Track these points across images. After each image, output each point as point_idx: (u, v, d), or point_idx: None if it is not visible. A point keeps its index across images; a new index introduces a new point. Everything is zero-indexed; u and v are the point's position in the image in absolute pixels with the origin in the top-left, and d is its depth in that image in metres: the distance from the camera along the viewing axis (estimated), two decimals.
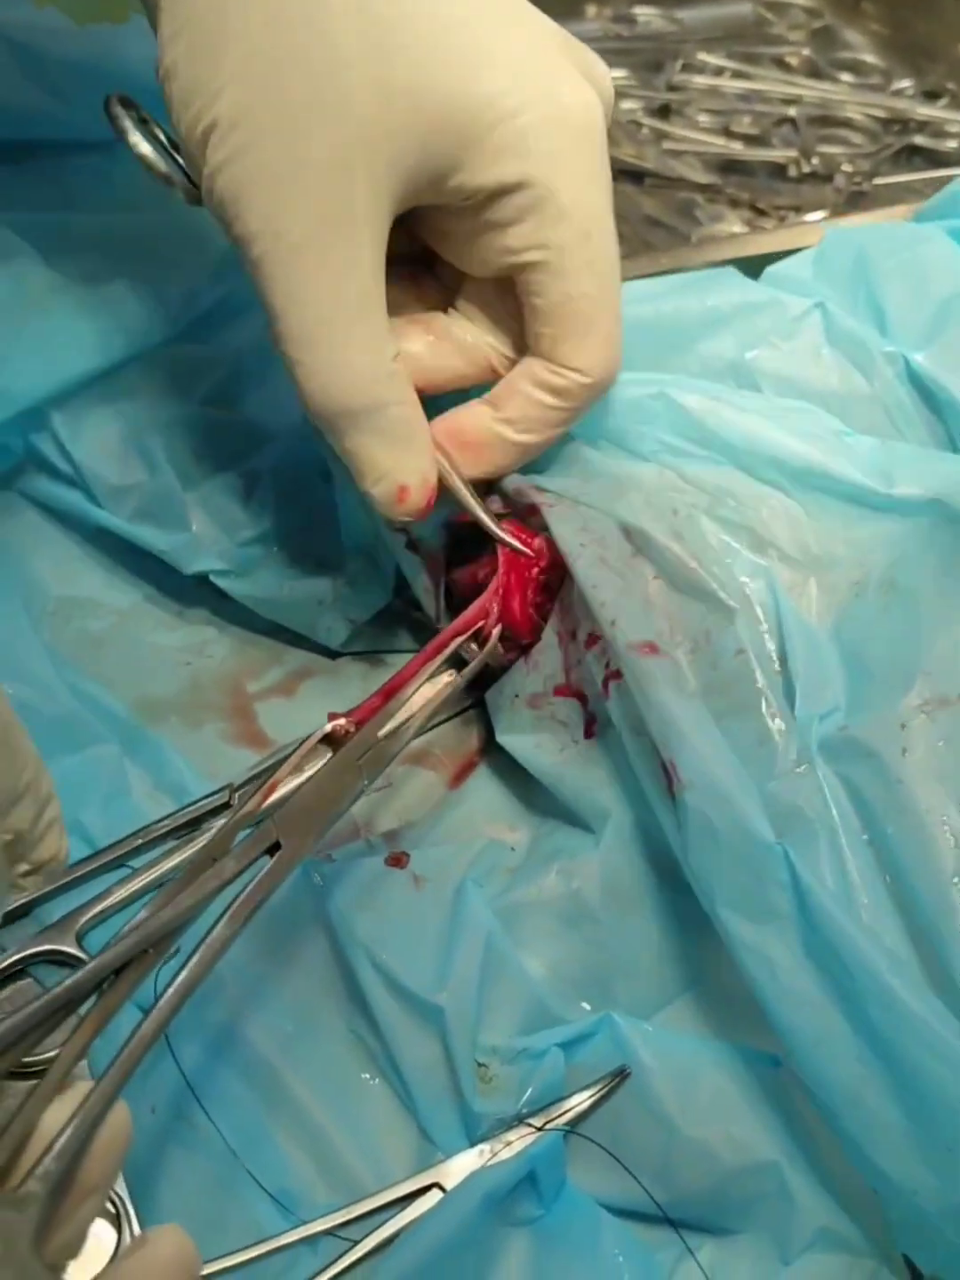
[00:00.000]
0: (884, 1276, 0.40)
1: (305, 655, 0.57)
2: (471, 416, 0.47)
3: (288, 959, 0.44)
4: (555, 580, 0.48)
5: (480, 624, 0.47)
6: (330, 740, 0.40)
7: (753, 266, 0.64)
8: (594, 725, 0.48)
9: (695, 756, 0.41)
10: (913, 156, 0.86)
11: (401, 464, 0.45)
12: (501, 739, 0.49)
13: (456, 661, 0.47)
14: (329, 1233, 0.39)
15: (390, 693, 0.42)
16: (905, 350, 0.53)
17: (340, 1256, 0.38)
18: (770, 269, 0.59)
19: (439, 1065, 0.41)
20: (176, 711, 0.55)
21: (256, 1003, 0.43)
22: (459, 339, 0.48)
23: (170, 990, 0.33)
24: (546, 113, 0.42)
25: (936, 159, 0.85)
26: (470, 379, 0.49)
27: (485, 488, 0.50)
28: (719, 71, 0.90)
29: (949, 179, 0.79)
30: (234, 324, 0.59)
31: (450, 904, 0.44)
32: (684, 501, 0.47)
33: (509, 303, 0.47)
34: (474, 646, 0.47)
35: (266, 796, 0.38)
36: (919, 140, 0.86)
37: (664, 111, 0.86)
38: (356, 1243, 0.39)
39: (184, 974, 0.33)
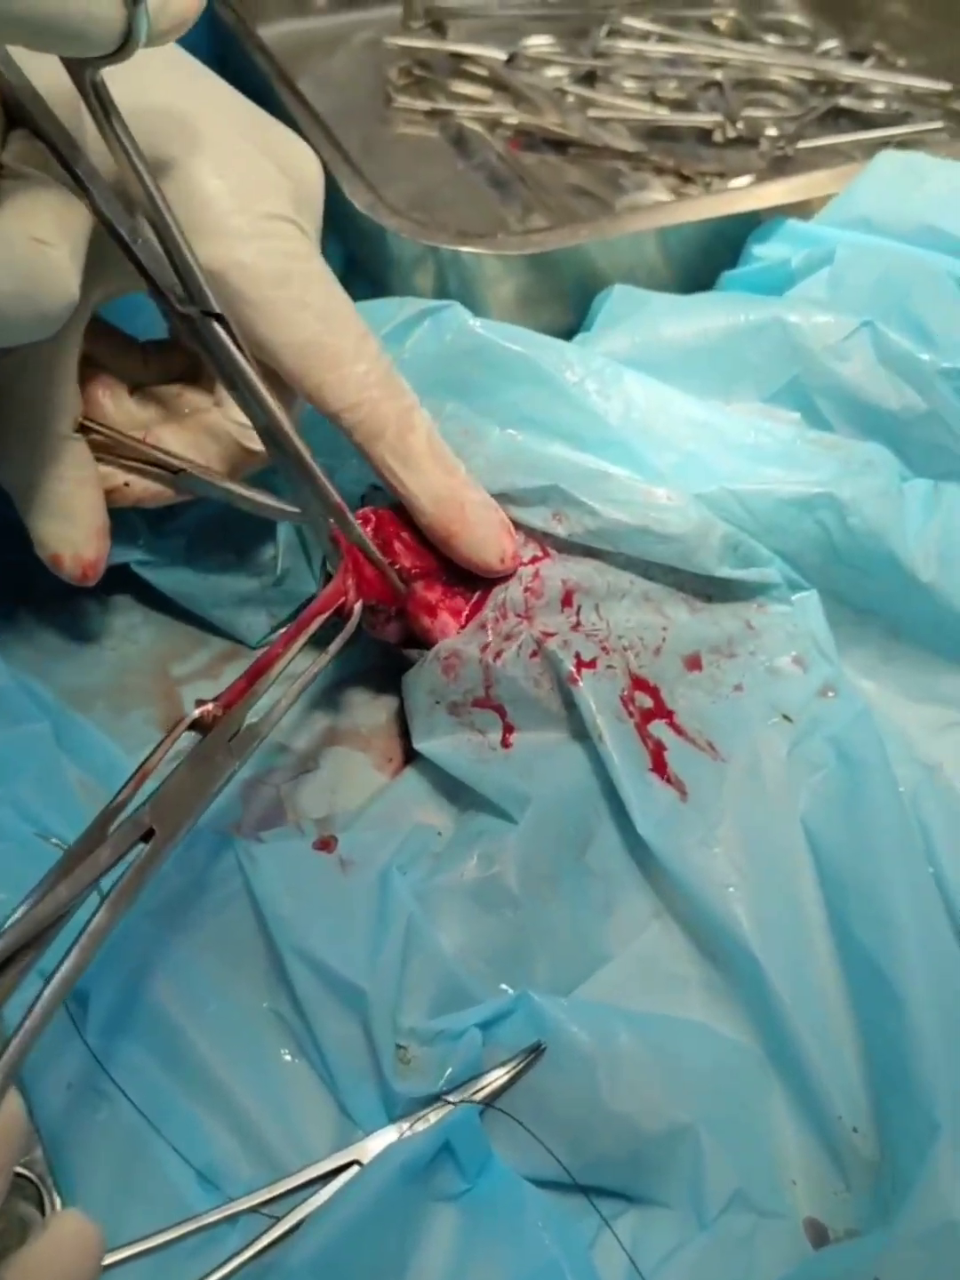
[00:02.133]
0: (791, 1236, 0.41)
1: (229, 640, 0.57)
2: None
3: (213, 939, 0.45)
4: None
5: (341, 601, 0.47)
6: (199, 725, 0.41)
7: (675, 236, 0.64)
8: (512, 734, 0.49)
9: None
10: (839, 118, 0.86)
11: (57, 536, 0.47)
12: (419, 745, 0.50)
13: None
14: (251, 1210, 0.40)
15: (256, 675, 0.42)
16: (957, 364, 0.54)
17: (262, 1233, 0.39)
18: (788, 294, 0.60)
19: (359, 1046, 0.42)
20: (102, 697, 0.55)
21: (179, 980, 0.43)
22: (212, 428, 0.49)
23: (51, 984, 0.33)
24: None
25: (862, 120, 0.85)
26: (237, 465, 0.49)
27: None
28: (645, 36, 0.89)
29: (873, 142, 0.81)
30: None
31: (375, 889, 0.45)
32: None
33: None
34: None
35: (138, 784, 0.38)
36: (845, 102, 0.85)
37: (590, 78, 0.85)
38: (278, 1219, 0.39)
39: (64, 966, 0.33)
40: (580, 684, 0.47)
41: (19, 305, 0.37)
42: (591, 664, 0.48)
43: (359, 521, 0.48)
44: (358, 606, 0.47)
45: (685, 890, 0.45)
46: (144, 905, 0.44)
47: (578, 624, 0.49)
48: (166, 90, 0.44)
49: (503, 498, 0.50)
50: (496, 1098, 0.41)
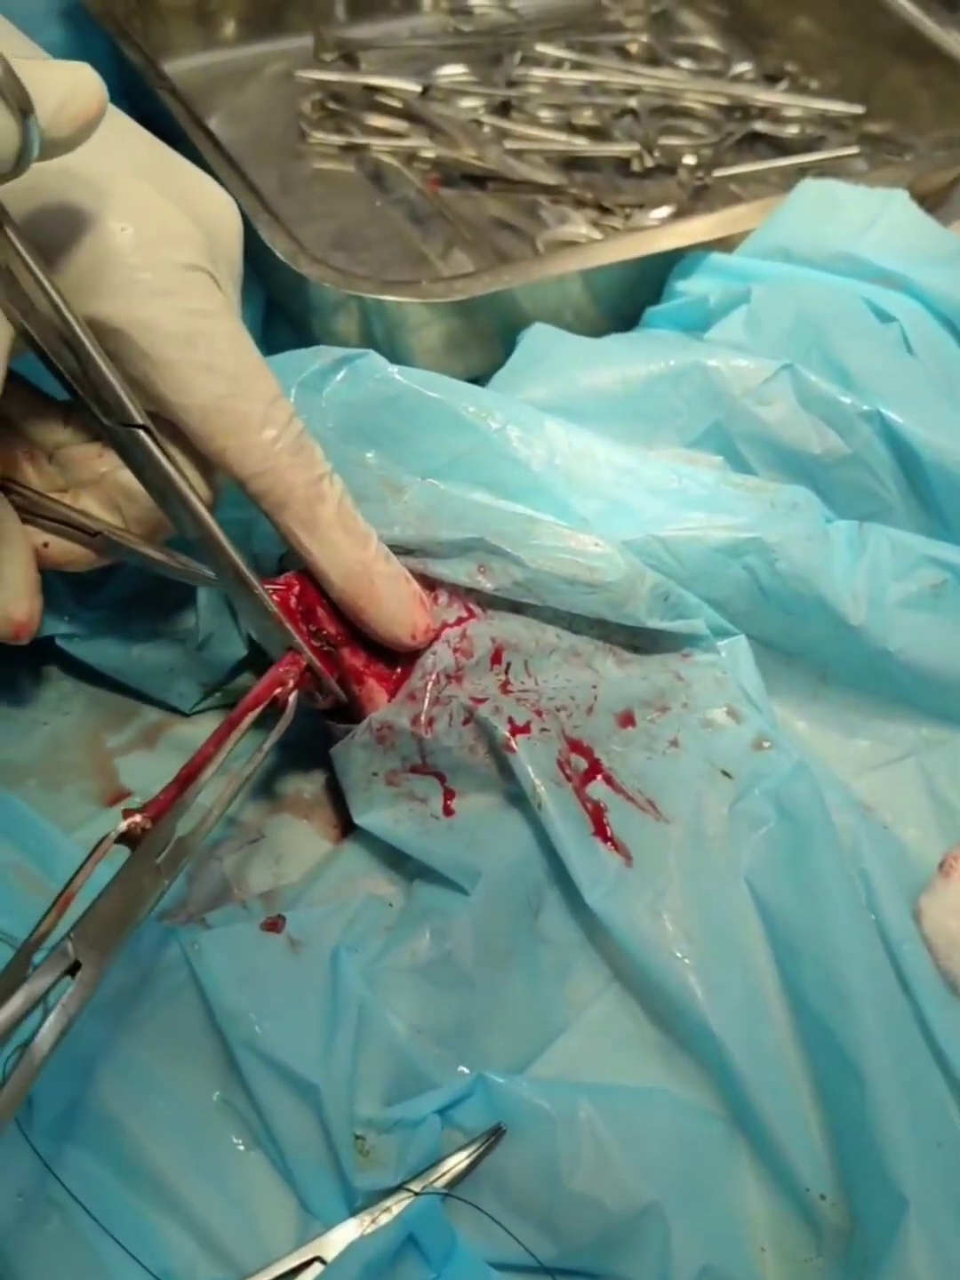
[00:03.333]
0: None
1: (163, 708, 0.56)
2: None
3: (160, 1033, 0.43)
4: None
5: (275, 693, 0.45)
6: (127, 838, 0.38)
7: (599, 276, 0.64)
8: (453, 799, 0.48)
9: None
10: (755, 143, 0.86)
11: None
12: (360, 820, 0.49)
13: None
14: None
15: (186, 782, 0.40)
16: (878, 407, 0.54)
17: None
18: (708, 336, 0.60)
19: (316, 1138, 0.41)
20: (35, 773, 0.54)
21: (127, 1079, 0.42)
22: (130, 490, 0.47)
23: None
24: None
25: (778, 146, 0.85)
26: (157, 527, 0.48)
27: None
28: (558, 63, 0.89)
29: (790, 168, 0.81)
30: None
31: (326, 972, 0.44)
32: None
33: None
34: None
35: (63, 909, 0.36)
36: (760, 126, 0.86)
37: (505, 108, 0.85)
38: None
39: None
40: (516, 751, 0.47)
41: None
42: (525, 729, 0.47)
43: (281, 587, 0.47)
44: (293, 698, 0.45)
45: (636, 960, 0.44)
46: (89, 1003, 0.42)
47: (507, 685, 0.49)
48: None
49: (424, 552, 0.49)
50: (458, 1184, 0.41)
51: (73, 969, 0.35)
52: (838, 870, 0.45)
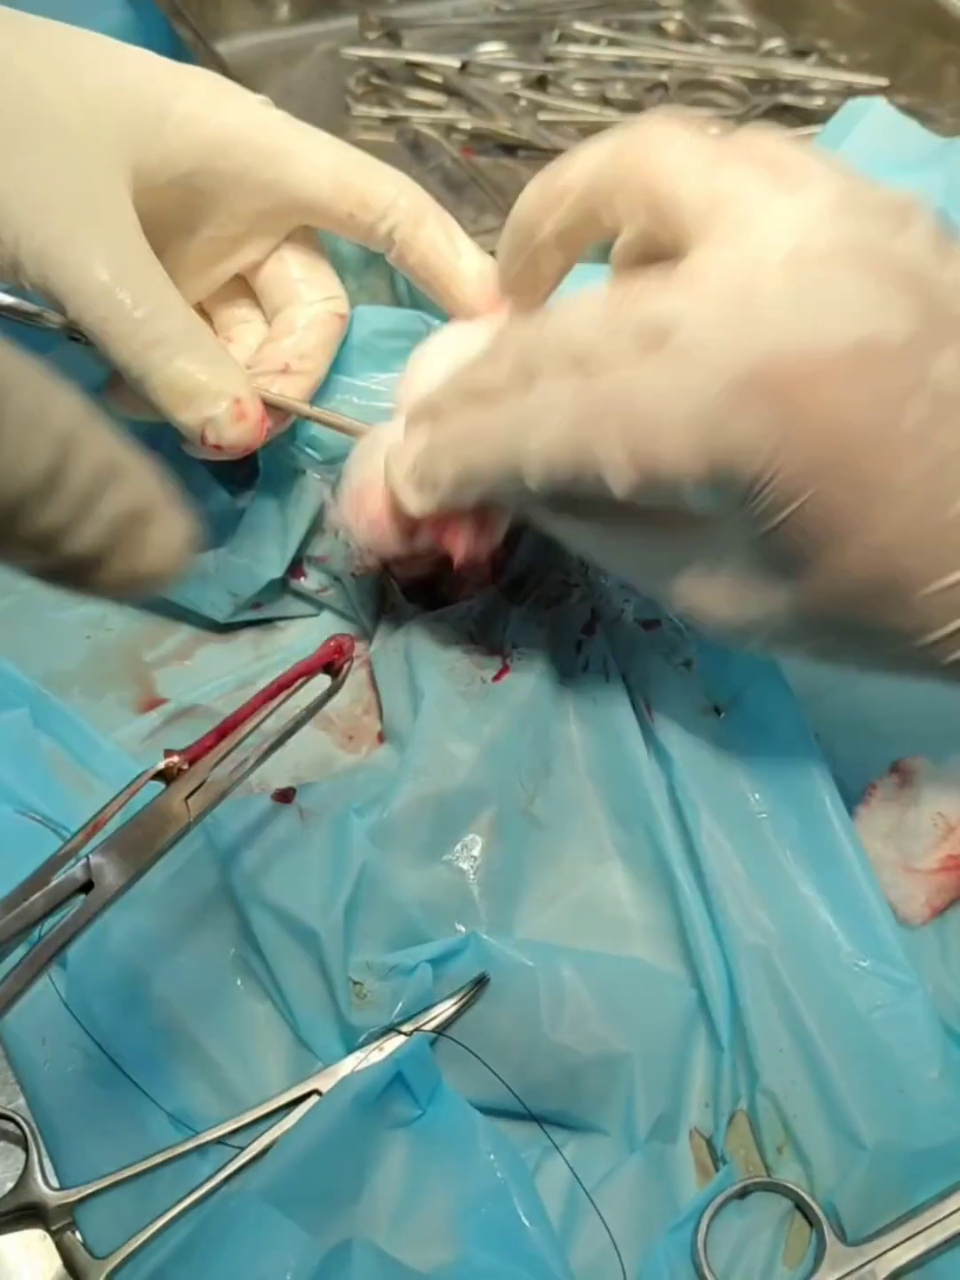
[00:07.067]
0: (694, 1154, 0.45)
1: (199, 625, 0.60)
2: None
3: (180, 896, 0.47)
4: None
5: (334, 659, 0.46)
6: (162, 776, 0.41)
7: None
8: (504, 673, 0.52)
9: None
10: (782, 114, 0.89)
11: (227, 378, 0.46)
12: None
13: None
14: (218, 1141, 0.43)
15: (224, 732, 0.42)
16: None
17: (228, 1162, 0.42)
18: None
19: (318, 985, 0.45)
20: (78, 681, 0.58)
21: (148, 938, 0.46)
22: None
23: None
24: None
25: (804, 116, 0.88)
26: None
27: None
28: (595, 40, 0.93)
29: (810, 136, 0.83)
30: None
31: (331, 834, 0.47)
32: None
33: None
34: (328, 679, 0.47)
35: (91, 834, 0.38)
36: (787, 99, 0.89)
37: (541, 83, 0.89)
38: (243, 1149, 0.42)
39: None
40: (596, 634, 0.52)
41: None
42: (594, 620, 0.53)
43: None
44: (347, 666, 0.46)
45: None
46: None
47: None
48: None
49: None
50: (446, 1028, 0.44)
51: (85, 887, 0.37)
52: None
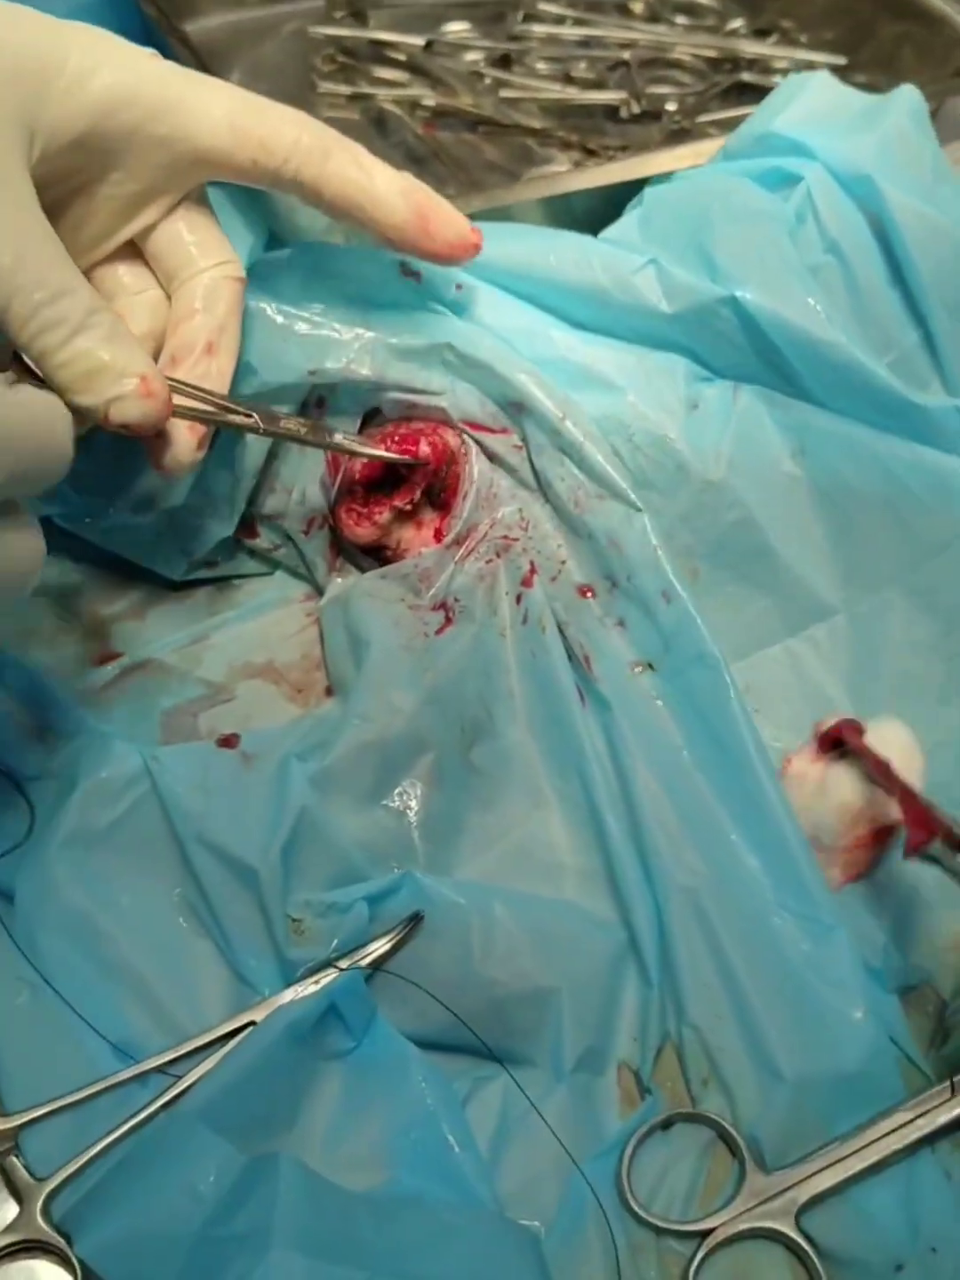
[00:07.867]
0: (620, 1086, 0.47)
1: (155, 583, 0.61)
2: None
3: (126, 840, 0.49)
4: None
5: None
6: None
7: (568, 202, 0.69)
8: (447, 627, 0.54)
9: None
10: (742, 93, 0.90)
11: (131, 357, 0.44)
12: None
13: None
14: (157, 1070, 0.44)
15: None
16: (735, 291, 0.55)
17: (167, 1089, 0.43)
18: (603, 234, 0.63)
19: (257, 922, 0.46)
20: (36, 635, 0.60)
21: (94, 879, 0.48)
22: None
23: None
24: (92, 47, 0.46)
25: (763, 94, 0.88)
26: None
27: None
28: (559, 20, 0.94)
29: None
30: None
31: (273, 777, 0.49)
32: None
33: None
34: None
35: None
36: (747, 77, 0.90)
37: (505, 61, 0.90)
38: (182, 1077, 0.44)
39: None
40: (533, 587, 0.53)
41: None
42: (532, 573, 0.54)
43: None
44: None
45: None
46: (62, 825, 0.48)
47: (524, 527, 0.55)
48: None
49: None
50: (382, 963, 0.46)
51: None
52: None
